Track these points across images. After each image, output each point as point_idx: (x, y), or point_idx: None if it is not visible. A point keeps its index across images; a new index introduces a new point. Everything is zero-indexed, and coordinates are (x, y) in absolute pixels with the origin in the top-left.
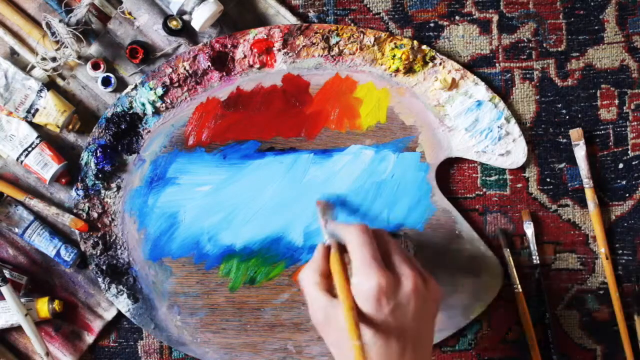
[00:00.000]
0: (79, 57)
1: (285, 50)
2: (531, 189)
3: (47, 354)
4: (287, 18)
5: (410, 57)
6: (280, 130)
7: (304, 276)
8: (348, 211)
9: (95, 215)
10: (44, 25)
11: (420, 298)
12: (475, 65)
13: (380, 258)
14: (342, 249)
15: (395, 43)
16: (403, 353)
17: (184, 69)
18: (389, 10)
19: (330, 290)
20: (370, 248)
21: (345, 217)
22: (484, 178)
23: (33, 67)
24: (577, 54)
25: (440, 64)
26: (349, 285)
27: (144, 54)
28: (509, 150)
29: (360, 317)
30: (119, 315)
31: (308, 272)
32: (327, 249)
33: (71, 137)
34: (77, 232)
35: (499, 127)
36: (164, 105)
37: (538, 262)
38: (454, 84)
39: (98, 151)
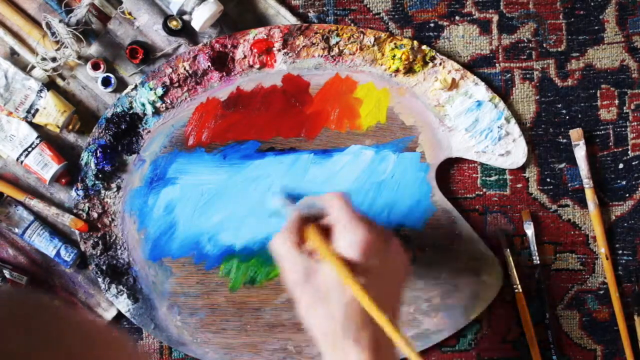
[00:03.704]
0: (79, 57)
1: (285, 50)
2: (531, 189)
3: None
4: (287, 18)
5: (410, 57)
6: (280, 131)
7: (279, 240)
8: None
9: (95, 215)
10: (44, 25)
11: (401, 260)
12: (475, 65)
13: (364, 216)
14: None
15: (395, 43)
16: (388, 306)
17: (184, 69)
18: (389, 10)
19: (307, 253)
20: (353, 208)
21: None
22: (484, 178)
23: (33, 67)
24: (577, 54)
25: (440, 64)
26: (331, 245)
27: (144, 54)
28: (509, 150)
29: (349, 268)
30: (119, 315)
31: (283, 236)
32: (299, 221)
33: (71, 137)
34: (77, 232)
35: (499, 127)
36: (164, 105)
37: (538, 262)
38: (454, 84)
39: (98, 151)
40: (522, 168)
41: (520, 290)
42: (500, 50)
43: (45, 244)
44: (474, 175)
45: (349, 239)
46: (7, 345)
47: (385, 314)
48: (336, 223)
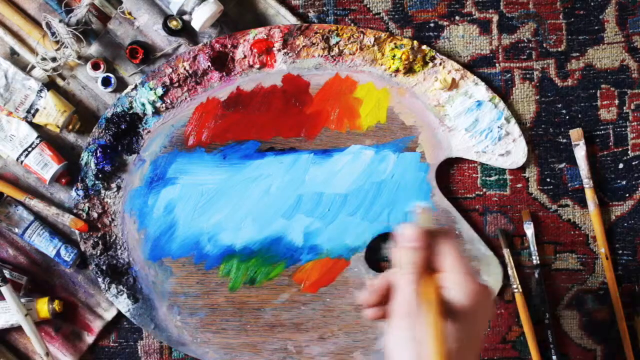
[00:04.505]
0: (79, 57)
1: (285, 50)
2: (531, 189)
3: (47, 354)
4: (287, 18)
5: (410, 57)
6: (280, 130)
7: (405, 278)
8: (348, 211)
9: (95, 215)
10: (44, 25)
11: (492, 309)
12: (475, 65)
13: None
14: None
15: (395, 43)
16: (469, 354)
17: (184, 69)
18: (389, 10)
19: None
20: (465, 259)
21: (345, 217)
22: (484, 178)
23: (33, 67)
24: (577, 54)
25: (440, 64)
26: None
27: (144, 54)
28: (509, 150)
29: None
30: (119, 315)
31: (411, 277)
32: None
33: (71, 137)
34: (77, 232)
35: (499, 127)
36: (164, 105)
37: (538, 262)
38: (454, 84)
39: (98, 151)
40: (522, 168)
41: (520, 290)
42: (500, 50)
43: (45, 244)
44: (474, 175)
45: (464, 290)
46: None
47: None
48: (452, 271)
